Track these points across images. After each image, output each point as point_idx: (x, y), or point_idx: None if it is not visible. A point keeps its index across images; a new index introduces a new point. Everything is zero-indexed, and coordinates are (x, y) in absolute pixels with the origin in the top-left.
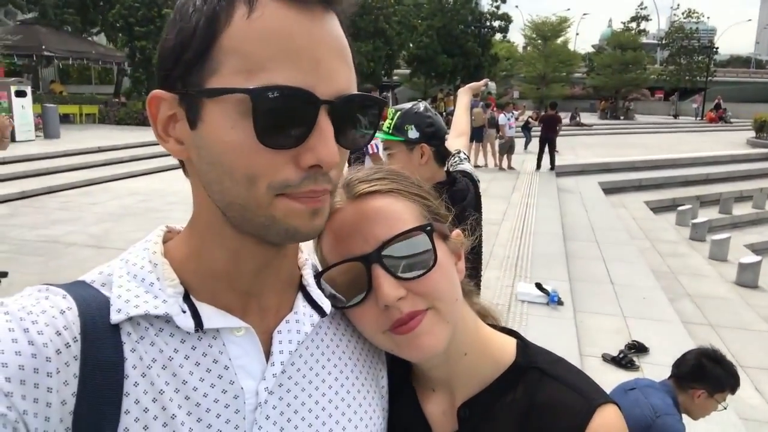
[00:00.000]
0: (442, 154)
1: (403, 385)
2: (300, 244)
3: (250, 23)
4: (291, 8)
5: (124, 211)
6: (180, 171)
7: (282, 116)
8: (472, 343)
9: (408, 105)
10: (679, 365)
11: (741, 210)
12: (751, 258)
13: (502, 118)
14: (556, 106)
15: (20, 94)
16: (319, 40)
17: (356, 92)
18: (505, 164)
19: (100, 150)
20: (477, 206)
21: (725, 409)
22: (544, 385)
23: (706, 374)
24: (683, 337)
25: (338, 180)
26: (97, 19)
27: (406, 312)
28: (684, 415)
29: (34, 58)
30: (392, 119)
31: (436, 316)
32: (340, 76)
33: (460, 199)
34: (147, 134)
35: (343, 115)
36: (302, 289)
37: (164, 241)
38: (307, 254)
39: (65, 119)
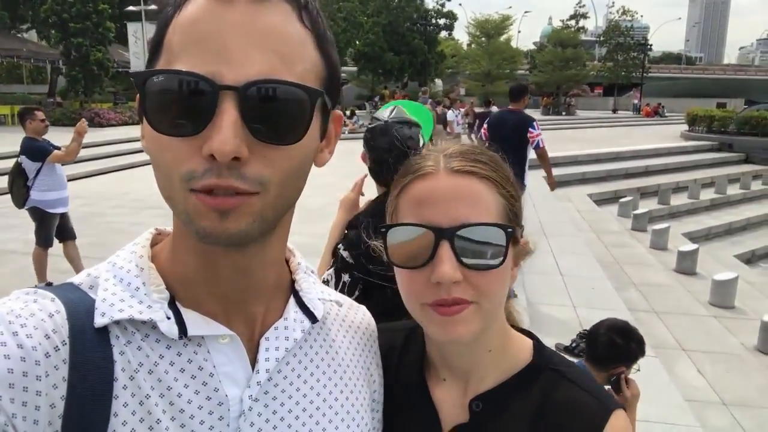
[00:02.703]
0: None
1: (414, 374)
2: (291, 246)
3: (177, 17)
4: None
5: None
6: (121, 173)
7: (174, 102)
8: (498, 340)
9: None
10: (593, 348)
11: (678, 200)
12: (689, 246)
13: (450, 115)
14: (491, 103)
15: None
16: (231, 26)
17: (270, 78)
18: None
19: None
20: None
21: (638, 370)
22: (562, 386)
23: (622, 353)
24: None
25: (266, 181)
26: (28, 15)
27: (453, 297)
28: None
29: None
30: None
31: (477, 311)
32: (254, 63)
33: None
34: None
35: (258, 105)
36: (294, 294)
37: (154, 244)
38: (300, 257)
39: None
